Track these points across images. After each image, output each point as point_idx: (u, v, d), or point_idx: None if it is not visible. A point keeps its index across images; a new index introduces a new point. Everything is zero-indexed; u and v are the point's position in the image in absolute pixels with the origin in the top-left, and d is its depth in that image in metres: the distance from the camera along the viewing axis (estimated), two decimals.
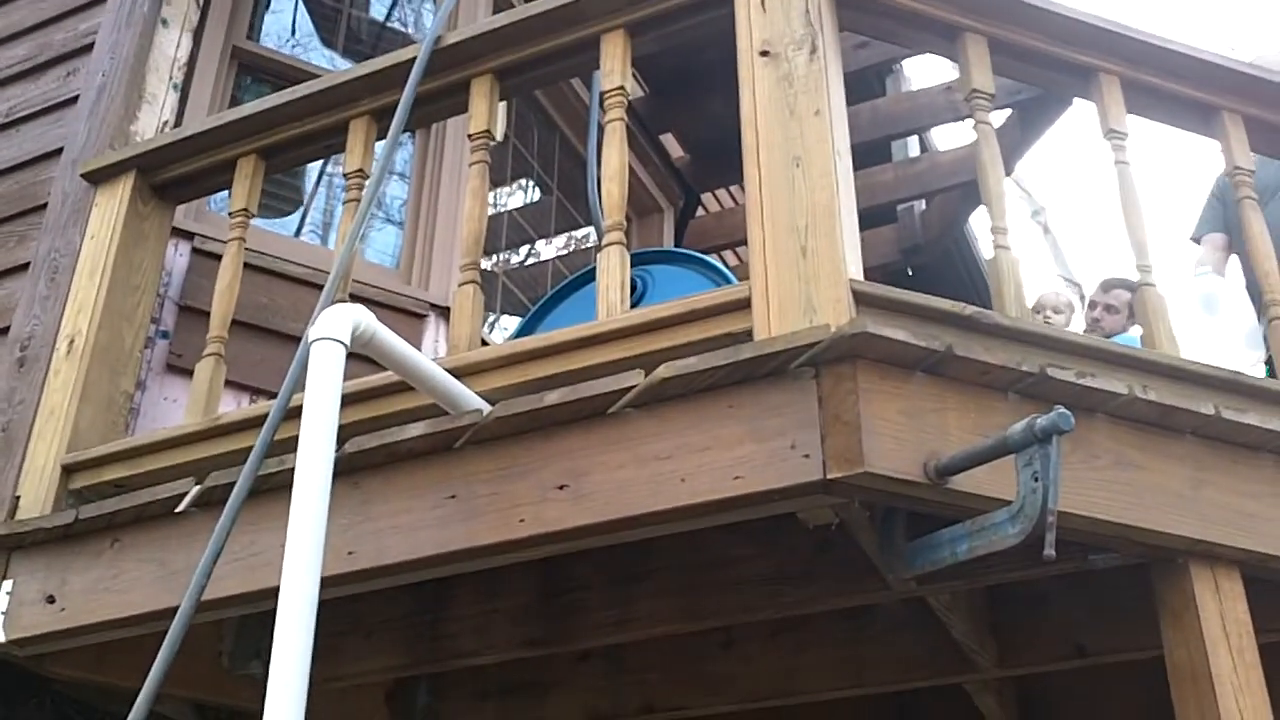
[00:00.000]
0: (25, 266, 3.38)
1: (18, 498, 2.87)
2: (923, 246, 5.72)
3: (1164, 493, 2.19)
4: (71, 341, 3.04)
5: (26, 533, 2.74)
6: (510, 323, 5.00)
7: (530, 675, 2.89)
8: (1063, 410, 1.87)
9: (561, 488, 2.22)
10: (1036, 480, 1.87)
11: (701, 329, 2.30)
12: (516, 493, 2.26)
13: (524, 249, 5.65)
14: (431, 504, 2.33)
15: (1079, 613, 2.57)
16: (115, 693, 2.77)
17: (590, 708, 2.90)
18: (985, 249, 6.82)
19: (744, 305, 2.26)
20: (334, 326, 2.14)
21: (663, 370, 2.18)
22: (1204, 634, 2.11)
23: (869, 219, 5.52)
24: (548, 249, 5.68)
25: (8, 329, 3.27)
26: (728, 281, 3.03)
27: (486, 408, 2.34)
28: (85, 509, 2.68)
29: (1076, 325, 5.76)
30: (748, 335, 2.22)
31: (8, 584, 2.74)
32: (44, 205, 3.47)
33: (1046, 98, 4.78)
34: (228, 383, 2.93)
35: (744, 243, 2.35)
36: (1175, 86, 2.76)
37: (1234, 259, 4.50)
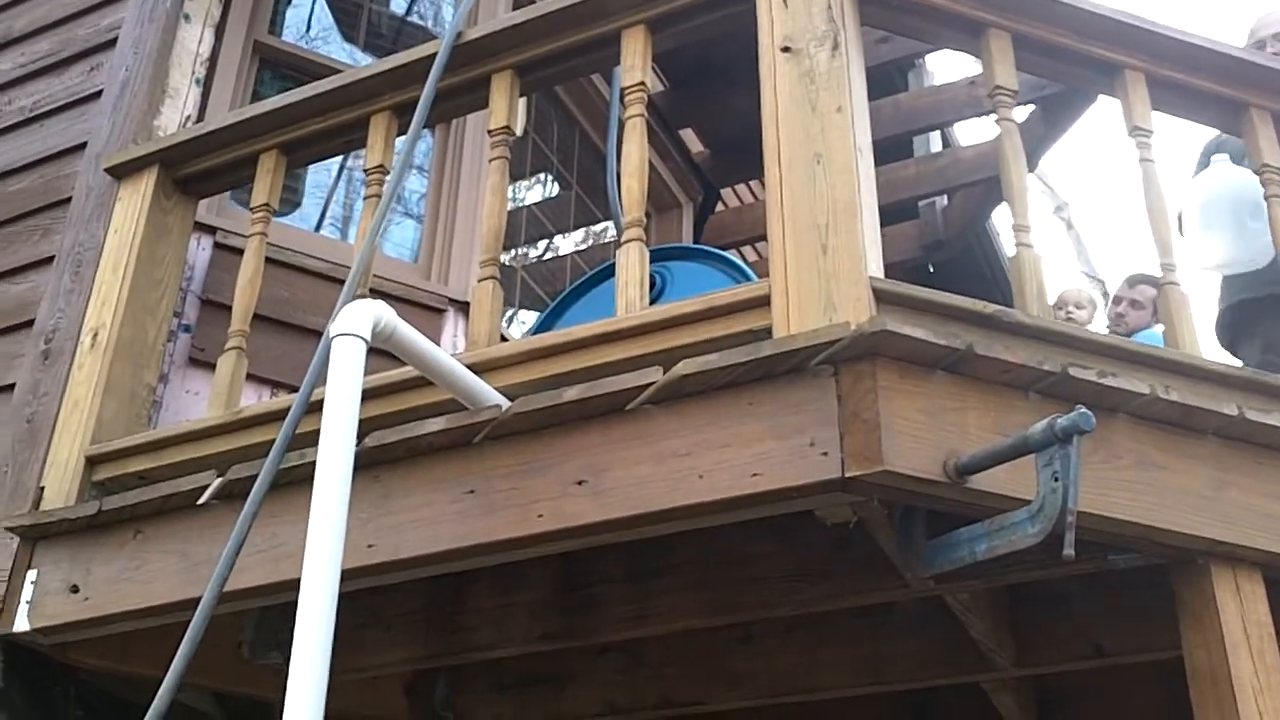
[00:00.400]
0: (50, 260, 3.41)
1: (42, 489, 2.90)
2: (944, 243, 5.70)
3: (1185, 493, 2.18)
4: (95, 335, 3.06)
5: (51, 523, 2.77)
6: (529, 317, 5.01)
7: (548, 669, 2.90)
8: (1084, 410, 1.86)
9: (580, 483, 2.23)
10: (1057, 480, 1.87)
11: (721, 326, 2.30)
12: (535, 488, 2.26)
13: (543, 244, 5.65)
14: (451, 498, 2.34)
15: (1098, 613, 2.56)
16: (139, 682, 2.79)
17: (608, 701, 2.90)
18: (1008, 245, 6.78)
19: (764, 302, 2.26)
20: (355, 322, 2.15)
21: (682, 367, 2.18)
22: (1224, 636, 2.10)
23: (890, 215, 5.50)
24: (566, 244, 5.68)
25: (32, 322, 3.30)
26: (747, 278, 3.02)
27: (505, 403, 2.35)
28: (108, 500, 2.71)
29: (1099, 322, 5.73)
30: (767, 332, 2.21)
31: (32, 573, 2.77)
32: (68, 199, 3.49)
33: (1070, 94, 4.75)
34: (249, 376, 2.95)
35: (764, 238, 2.35)
36: (1201, 82, 2.74)
37: None
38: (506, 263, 4.89)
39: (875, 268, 2.23)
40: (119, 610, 2.61)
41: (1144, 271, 5.17)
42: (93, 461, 2.87)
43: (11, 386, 3.21)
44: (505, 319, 4.79)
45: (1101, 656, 2.54)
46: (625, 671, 2.84)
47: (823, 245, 2.23)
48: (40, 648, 2.79)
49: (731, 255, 3.37)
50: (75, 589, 2.67)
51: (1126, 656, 2.55)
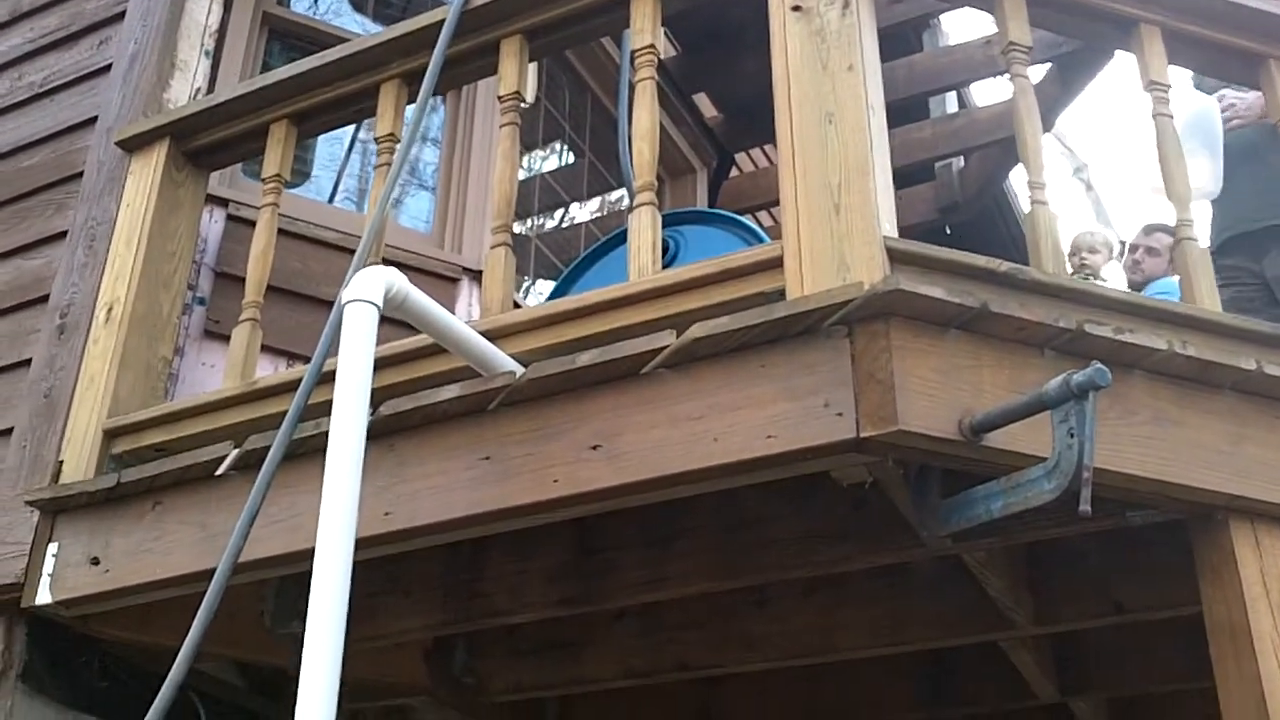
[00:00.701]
0: (63, 235, 3.41)
1: (61, 462, 2.91)
2: (961, 204, 5.65)
3: (1203, 449, 2.16)
4: (110, 309, 3.07)
5: (70, 496, 2.79)
6: (545, 287, 5.00)
7: (566, 634, 2.91)
8: (1099, 365, 1.85)
9: (595, 448, 2.22)
10: (1072, 436, 1.85)
11: (734, 288, 2.29)
12: (550, 453, 2.26)
13: (557, 213, 5.63)
14: (465, 465, 2.34)
15: (1117, 569, 2.54)
16: (161, 652, 2.80)
17: (626, 666, 2.91)
18: (1025, 206, 6.73)
19: (776, 264, 2.25)
20: (367, 289, 2.15)
21: (695, 330, 2.17)
22: (1244, 591, 2.08)
23: (907, 177, 5.46)
24: (581, 212, 5.66)
25: (47, 297, 3.31)
26: (760, 241, 3.01)
27: (519, 369, 2.34)
28: (127, 473, 2.72)
29: (1113, 268, 5.69)
30: (780, 294, 2.20)
31: (53, 546, 2.79)
32: (80, 174, 3.50)
33: (1086, 51, 4.70)
34: (264, 348, 2.95)
35: (778, 203, 2.34)
36: (1219, 35, 2.70)
37: None
38: (521, 232, 4.89)
39: (889, 227, 2.21)
40: (139, 582, 2.63)
41: (1162, 221, 5.13)
42: (110, 435, 2.88)
43: (28, 361, 3.22)
44: (522, 290, 4.79)
45: (1120, 613, 2.53)
46: (642, 636, 2.85)
47: (835, 205, 2.21)
48: (62, 619, 2.81)
49: (745, 219, 3.34)
50: (96, 561, 2.69)
51: (1145, 613, 2.53)
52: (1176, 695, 3.08)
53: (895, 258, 2.16)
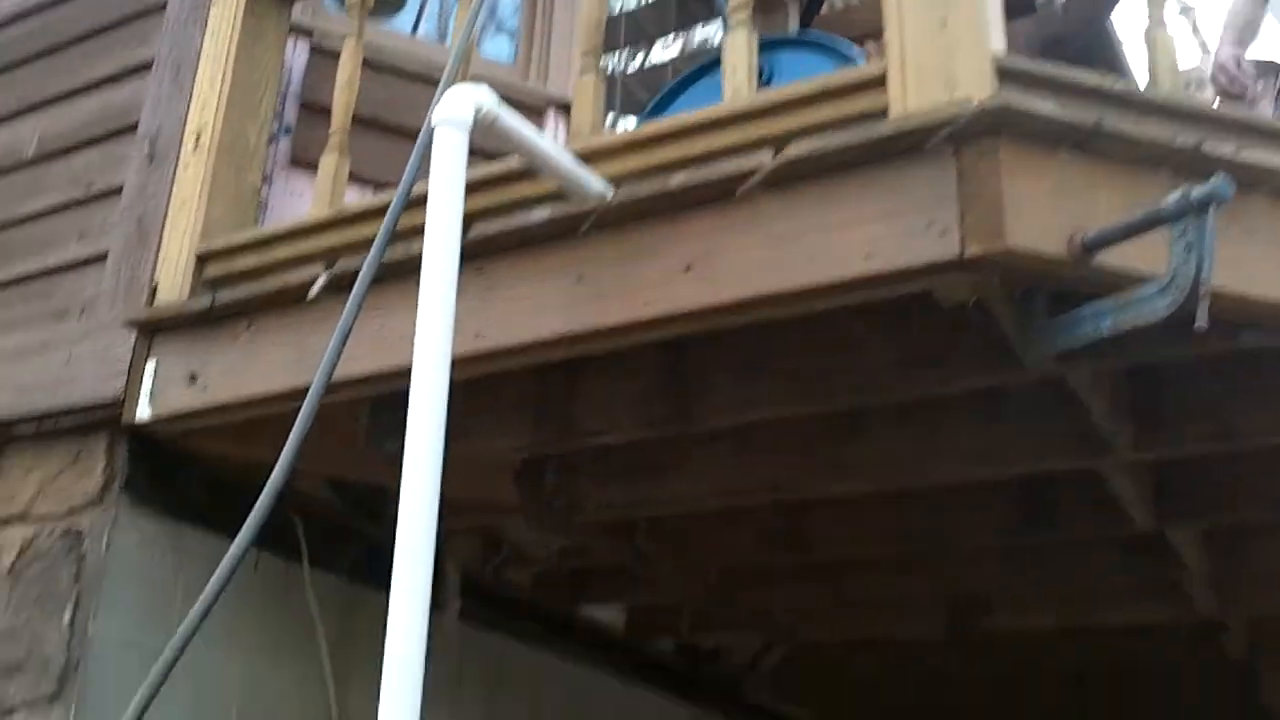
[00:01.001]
0: (148, 65, 3.40)
1: (155, 286, 2.96)
2: (1063, 39, 5.41)
3: None
4: (198, 136, 3.07)
5: (167, 317, 2.83)
6: (631, 125, 4.93)
7: (657, 456, 2.90)
8: (1223, 176, 1.76)
9: (687, 269, 2.19)
10: (1190, 251, 1.78)
11: (834, 108, 2.21)
12: (642, 275, 2.24)
13: (641, 54, 5.52)
14: (557, 287, 2.33)
15: (1225, 394, 2.45)
16: (260, 467, 2.86)
17: (717, 486, 2.91)
18: (1129, 48, 6.47)
19: (878, 83, 2.16)
20: (457, 109, 2.10)
21: (793, 150, 2.11)
22: None
23: (1008, 10, 5.21)
24: (667, 53, 5.55)
25: (135, 125, 3.32)
26: (857, 64, 2.90)
27: (611, 191, 2.31)
28: (221, 294, 2.75)
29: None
30: (882, 114, 2.12)
31: (151, 363, 2.84)
32: (164, 5, 3.47)
33: None
34: (351, 176, 2.93)
35: (871, 37, 2.24)
36: None
37: None
38: (606, 71, 4.79)
39: (998, 43, 2.11)
40: (236, 398, 2.68)
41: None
42: (203, 259, 2.91)
43: (119, 189, 3.25)
44: (607, 125, 4.72)
45: (1226, 439, 2.45)
46: (733, 458, 2.84)
47: (941, 19, 2.12)
48: (162, 436, 2.89)
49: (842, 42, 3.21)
50: (193, 378, 2.74)
51: (1252, 440, 2.46)
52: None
53: (1004, 75, 2.07)
